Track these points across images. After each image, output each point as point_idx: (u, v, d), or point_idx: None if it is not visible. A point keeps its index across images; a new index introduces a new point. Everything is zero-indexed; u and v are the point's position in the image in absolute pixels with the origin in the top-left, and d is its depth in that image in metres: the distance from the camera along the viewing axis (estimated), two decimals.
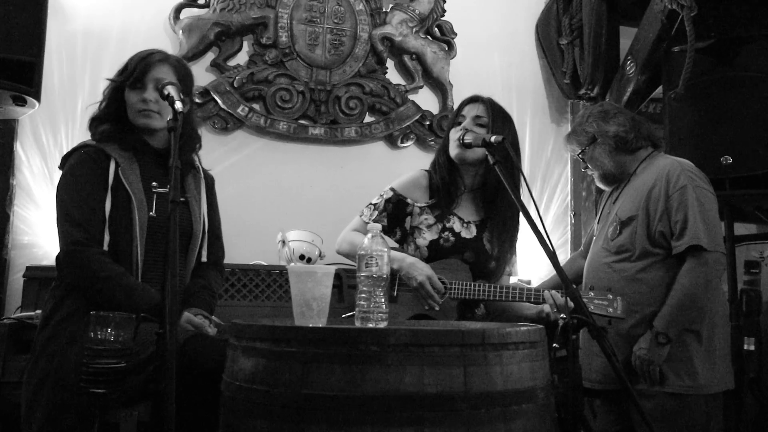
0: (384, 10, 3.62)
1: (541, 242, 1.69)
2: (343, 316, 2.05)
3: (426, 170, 2.31)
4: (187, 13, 3.37)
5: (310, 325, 1.51)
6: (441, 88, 3.68)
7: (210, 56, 3.39)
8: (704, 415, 2.08)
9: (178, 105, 1.60)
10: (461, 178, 2.26)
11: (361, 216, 2.26)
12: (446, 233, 2.19)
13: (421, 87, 3.68)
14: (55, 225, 1.90)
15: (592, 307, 1.96)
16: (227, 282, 2.81)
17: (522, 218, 1.86)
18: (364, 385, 1.27)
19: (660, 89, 3.14)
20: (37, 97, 2.51)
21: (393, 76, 3.65)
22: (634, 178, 2.30)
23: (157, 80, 1.88)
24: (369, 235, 1.55)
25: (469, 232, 2.22)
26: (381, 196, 2.26)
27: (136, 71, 1.93)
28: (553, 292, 2.06)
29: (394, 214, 2.23)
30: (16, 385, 2.30)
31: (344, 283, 2.81)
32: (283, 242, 3.03)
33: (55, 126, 3.09)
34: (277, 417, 1.30)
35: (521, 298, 2.09)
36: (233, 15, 3.37)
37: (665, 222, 2.13)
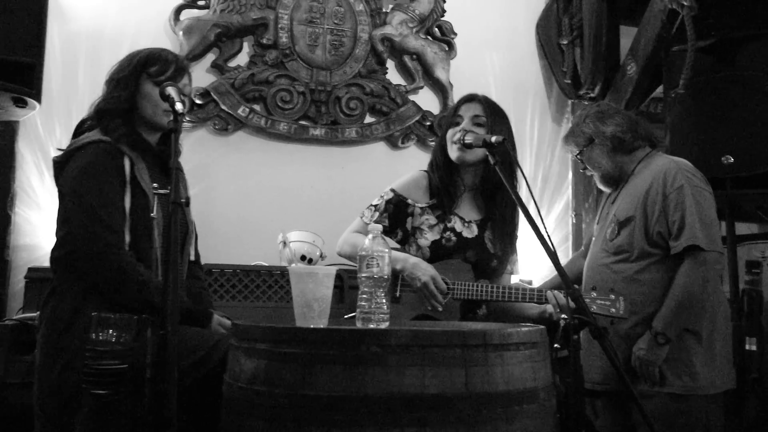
0: (384, 10, 3.63)
1: (541, 242, 1.69)
2: (345, 317, 2.05)
3: (426, 170, 2.31)
4: (187, 14, 3.38)
5: (311, 326, 1.51)
6: (441, 88, 3.68)
7: (210, 57, 3.40)
8: (704, 416, 2.08)
9: (179, 106, 1.60)
10: (461, 179, 2.26)
11: (361, 217, 2.26)
12: (448, 233, 2.19)
13: (421, 87, 3.68)
14: (63, 222, 1.81)
15: (595, 308, 1.96)
16: (228, 283, 2.81)
17: (523, 218, 1.86)
18: (365, 386, 1.27)
19: (660, 89, 3.14)
20: (38, 99, 2.51)
21: (393, 76, 3.65)
22: (632, 179, 2.29)
23: (185, 85, 1.91)
24: (370, 236, 1.55)
25: (470, 232, 2.22)
26: (381, 197, 2.26)
27: (172, 72, 1.90)
28: (556, 292, 2.05)
29: (395, 215, 2.23)
30: (18, 387, 2.30)
31: (345, 284, 2.81)
32: (284, 243, 3.03)
33: (55, 127, 3.10)
34: (278, 418, 1.30)
35: (524, 298, 2.09)
36: (233, 16, 3.38)
37: (663, 222, 2.13)
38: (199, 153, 3.27)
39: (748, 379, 2.66)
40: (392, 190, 2.26)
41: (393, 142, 3.60)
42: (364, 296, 1.52)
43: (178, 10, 3.37)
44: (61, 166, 1.89)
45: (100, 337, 1.52)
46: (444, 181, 2.23)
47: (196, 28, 3.33)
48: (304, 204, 3.41)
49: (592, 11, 3.54)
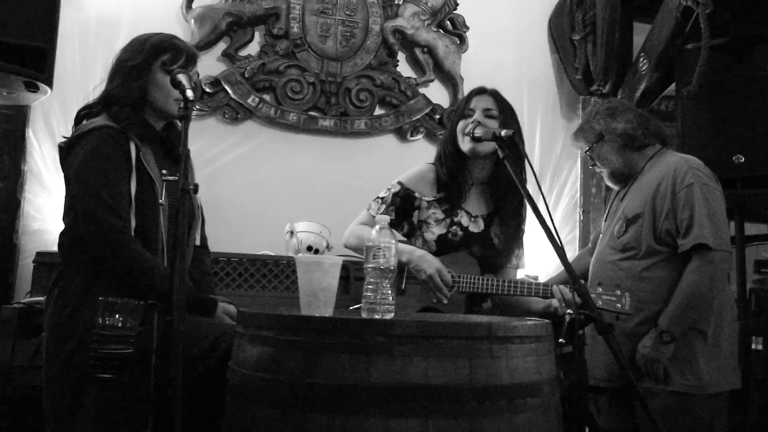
0: (396, 2, 3.61)
1: (549, 238, 1.69)
2: (350, 308, 2.05)
3: (433, 164, 2.31)
4: (200, 2, 3.37)
5: (317, 315, 1.51)
6: (452, 81, 3.67)
7: (221, 46, 3.39)
8: (708, 415, 2.07)
9: (189, 93, 1.60)
10: (469, 172, 2.25)
11: (368, 210, 2.26)
12: (454, 227, 2.19)
13: (431, 80, 3.66)
14: (69, 207, 1.83)
15: (600, 303, 1.96)
16: (234, 272, 2.82)
17: (530, 213, 1.85)
18: (369, 376, 1.27)
19: (673, 86, 3.12)
20: (50, 84, 2.51)
21: (404, 69, 3.64)
22: (641, 176, 2.28)
23: (196, 73, 1.91)
24: (377, 227, 1.55)
25: (476, 227, 2.21)
26: (389, 189, 2.26)
27: (184, 61, 1.89)
28: (562, 286, 2.05)
29: (402, 208, 2.23)
30: (26, 370, 2.32)
31: (351, 276, 2.81)
32: (291, 233, 3.04)
33: (67, 113, 3.10)
34: (282, 405, 1.31)
35: (529, 292, 2.08)
36: (245, 5, 3.37)
37: (671, 220, 2.12)
38: (209, 142, 3.28)
39: (753, 379, 2.65)
40: (399, 183, 2.26)
41: (402, 135, 3.59)
42: (370, 287, 1.52)
43: None
44: (66, 152, 1.89)
45: (107, 322, 1.53)
46: (452, 173, 2.22)
47: (208, 17, 3.33)
48: (312, 194, 3.41)
49: (605, 7, 3.52)
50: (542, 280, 3.02)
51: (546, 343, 1.47)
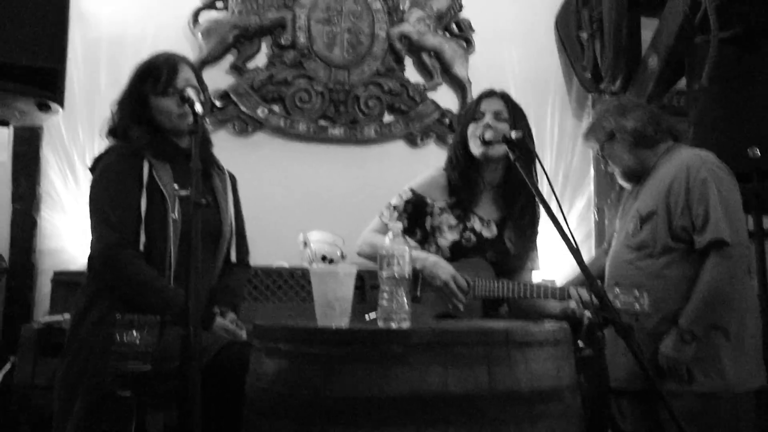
0: (401, 7, 3.61)
1: (564, 239, 1.67)
2: (366, 317, 2.04)
3: (444, 169, 2.29)
4: (206, 16, 3.40)
5: (333, 326, 1.51)
6: (460, 85, 3.66)
7: (229, 59, 3.42)
8: (734, 415, 2.04)
9: (198, 107, 1.61)
10: (480, 176, 2.24)
11: (380, 217, 2.25)
12: (468, 233, 2.17)
13: (440, 84, 3.66)
14: (88, 227, 1.89)
15: (618, 304, 1.93)
16: (249, 284, 2.83)
17: (544, 215, 1.84)
18: (387, 386, 1.26)
19: (683, 81, 3.09)
20: (61, 103, 2.54)
21: (411, 74, 3.64)
22: (654, 173, 2.26)
23: (187, 80, 1.91)
24: (390, 234, 1.55)
25: (490, 232, 2.20)
26: (400, 196, 2.25)
27: (164, 78, 1.91)
28: (579, 288, 2.03)
29: (414, 215, 2.22)
30: (46, 389, 2.34)
31: (366, 284, 2.80)
32: (305, 243, 3.04)
33: (79, 132, 3.14)
34: (301, 419, 1.30)
35: (546, 295, 2.06)
36: (251, 17, 3.39)
37: (686, 216, 2.09)
38: (220, 155, 3.26)
39: None
40: (411, 190, 2.25)
41: (412, 141, 3.59)
42: (385, 296, 1.51)
43: (197, 13, 3.39)
44: (91, 173, 1.97)
45: (125, 339, 1.54)
46: (464, 177, 2.21)
47: (214, 30, 3.35)
48: (324, 204, 3.41)
49: (612, 4, 3.49)
50: (558, 282, 3.00)
51: (565, 347, 1.45)
